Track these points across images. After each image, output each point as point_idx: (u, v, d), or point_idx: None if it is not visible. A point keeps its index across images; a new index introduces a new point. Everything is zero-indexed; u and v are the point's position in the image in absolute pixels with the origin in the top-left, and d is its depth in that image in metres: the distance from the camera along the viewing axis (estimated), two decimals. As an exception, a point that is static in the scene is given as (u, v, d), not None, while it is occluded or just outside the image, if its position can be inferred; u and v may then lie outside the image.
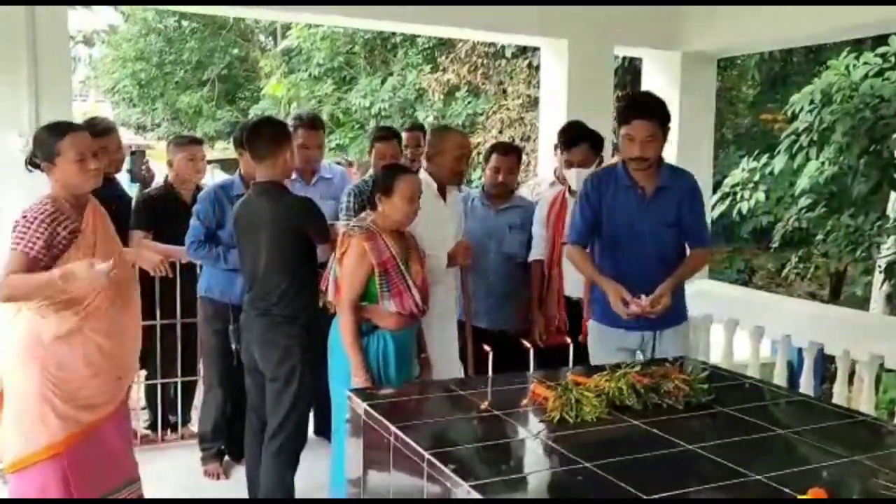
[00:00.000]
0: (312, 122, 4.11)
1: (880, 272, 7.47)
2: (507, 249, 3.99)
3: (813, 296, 11.58)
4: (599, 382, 2.45)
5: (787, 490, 1.74)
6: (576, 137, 3.96)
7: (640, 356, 3.33)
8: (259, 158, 3.23)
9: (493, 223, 4.00)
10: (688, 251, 3.37)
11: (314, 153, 4.08)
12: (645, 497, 1.72)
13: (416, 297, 3.08)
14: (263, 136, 3.24)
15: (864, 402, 4.05)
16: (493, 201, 4.03)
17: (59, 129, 2.72)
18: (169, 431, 4.48)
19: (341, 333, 3.07)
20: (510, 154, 4.07)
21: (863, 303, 8.99)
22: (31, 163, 2.77)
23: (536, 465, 2.05)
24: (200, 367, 4.28)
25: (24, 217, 2.63)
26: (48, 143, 2.69)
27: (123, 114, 21.66)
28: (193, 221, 3.76)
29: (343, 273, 3.07)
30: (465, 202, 3.99)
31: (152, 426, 4.49)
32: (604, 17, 5.15)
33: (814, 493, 1.68)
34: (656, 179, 3.26)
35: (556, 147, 4.25)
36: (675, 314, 3.41)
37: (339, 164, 5.94)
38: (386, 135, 4.20)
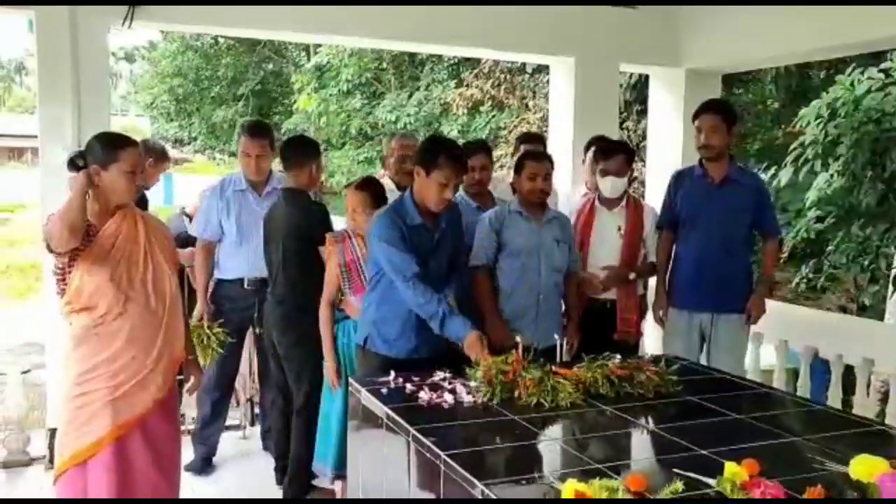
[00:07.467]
0: (252, 130, 4.03)
1: (893, 283, 7.55)
2: (557, 264, 3.67)
3: (843, 309, 11.47)
4: (578, 373, 2.70)
5: (724, 462, 1.94)
6: (613, 147, 4.06)
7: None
8: (287, 168, 3.76)
9: (538, 238, 3.61)
10: (759, 244, 4.06)
11: (257, 162, 3.97)
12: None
13: None
14: (293, 147, 3.78)
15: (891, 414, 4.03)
16: (534, 214, 3.62)
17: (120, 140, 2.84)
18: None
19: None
20: (546, 160, 3.69)
21: (881, 315, 9.02)
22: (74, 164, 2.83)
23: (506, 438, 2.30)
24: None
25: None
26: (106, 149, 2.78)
27: (161, 128, 22.34)
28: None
29: (326, 271, 3.55)
30: (496, 217, 3.63)
31: None
32: (610, 35, 5.38)
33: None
34: (724, 171, 3.86)
35: (593, 156, 4.27)
36: (732, 300, 3.85)
37: None
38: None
